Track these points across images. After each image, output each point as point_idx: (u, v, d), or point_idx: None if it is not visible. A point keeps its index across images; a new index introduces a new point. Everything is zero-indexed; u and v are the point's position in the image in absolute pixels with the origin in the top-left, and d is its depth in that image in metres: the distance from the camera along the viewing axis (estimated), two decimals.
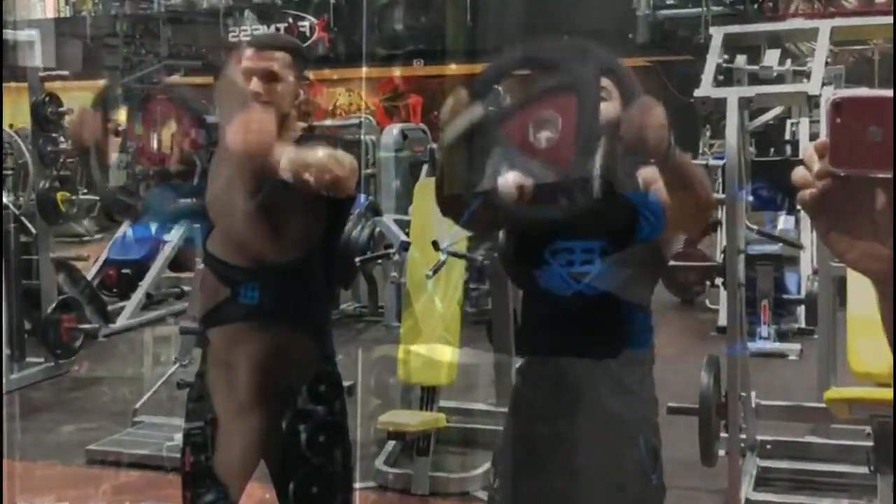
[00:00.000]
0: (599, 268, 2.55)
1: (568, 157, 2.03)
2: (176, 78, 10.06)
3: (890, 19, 3.68)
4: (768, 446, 3.57)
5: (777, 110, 4.17)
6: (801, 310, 4.10)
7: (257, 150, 2.09)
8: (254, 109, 2.21)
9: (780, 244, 3.45)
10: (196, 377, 2.56)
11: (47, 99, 5.33)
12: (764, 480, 3.45)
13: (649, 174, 2.45)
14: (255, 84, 2.29)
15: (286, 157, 2.07)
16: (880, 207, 0.80)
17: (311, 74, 2.63)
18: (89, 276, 5.88)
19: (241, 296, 2.22)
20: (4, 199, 5.36)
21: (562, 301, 2.55)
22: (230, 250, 2.27)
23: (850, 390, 3.02)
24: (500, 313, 3.90)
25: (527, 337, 2.52)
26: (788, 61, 3.28)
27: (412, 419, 3.92)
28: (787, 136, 5.24)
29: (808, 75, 3.13)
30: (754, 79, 3.39)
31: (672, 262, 3.45)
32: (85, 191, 5.34)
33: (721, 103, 3.23)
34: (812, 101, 3.22)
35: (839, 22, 3.26)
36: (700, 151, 3.33)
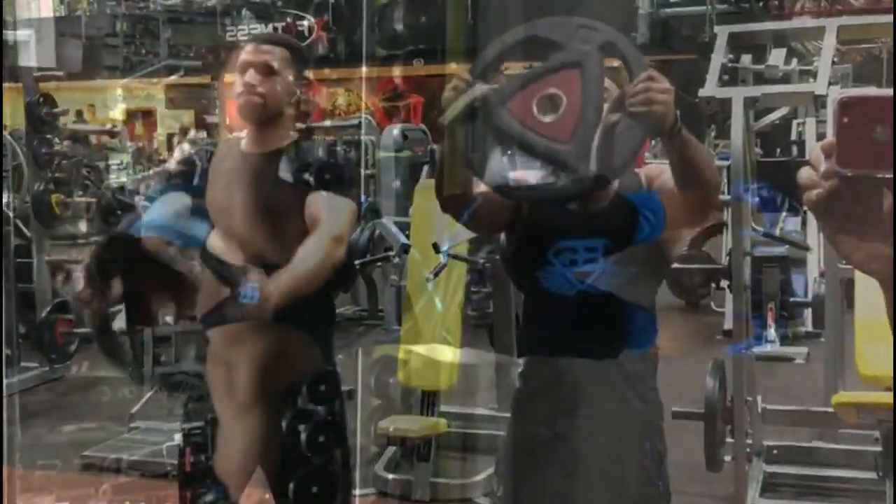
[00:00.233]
0: (602, 267, 2.51)
1: (571, 136, 1.99)
2: (175, 78, 10.05)
3: None
4: (775, 451, 3.53)
5: (783, 110, 4.13)
6: (808, 313, 4.07)
7: None
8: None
9: (787, 246, 3.41)
10: (195, 377, 2.54)
11: (42, 100, 5.28)
12: (771, 486, 3.41)
13: (653, 169, 2.41)
14: (251, 76, 2.26)
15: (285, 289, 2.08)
16: (888, 208, 0.78)
17: (310, 74, 2.60)
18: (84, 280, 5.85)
19: (241, 296, 2.19)
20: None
21: (565, 301, 2.51)
22: (230, 250, 2.24)
23: (858, 394, 2.98)
24: (501, 316, 3.87)
25: (529, 338, 2.48)
26: (794, 60, 3.24)
27: (412, 424, 3.89)
28: (794, 137, 5.21)
29: (814, 75, 3.09)
30: (759, 78, 3.35)
31: (677, 265, 3.41)
32: (80, 193, 5.31)
33: (726, 103, 3.20)
34: (818, 101, 3.18)
35: (846, 20, 3.22)
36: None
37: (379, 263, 4.22)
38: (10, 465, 3.85)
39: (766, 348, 2.93)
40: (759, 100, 3.26)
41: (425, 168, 4.42)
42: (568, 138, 1.97)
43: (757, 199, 3.18)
